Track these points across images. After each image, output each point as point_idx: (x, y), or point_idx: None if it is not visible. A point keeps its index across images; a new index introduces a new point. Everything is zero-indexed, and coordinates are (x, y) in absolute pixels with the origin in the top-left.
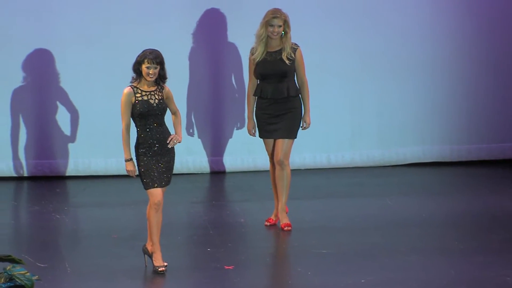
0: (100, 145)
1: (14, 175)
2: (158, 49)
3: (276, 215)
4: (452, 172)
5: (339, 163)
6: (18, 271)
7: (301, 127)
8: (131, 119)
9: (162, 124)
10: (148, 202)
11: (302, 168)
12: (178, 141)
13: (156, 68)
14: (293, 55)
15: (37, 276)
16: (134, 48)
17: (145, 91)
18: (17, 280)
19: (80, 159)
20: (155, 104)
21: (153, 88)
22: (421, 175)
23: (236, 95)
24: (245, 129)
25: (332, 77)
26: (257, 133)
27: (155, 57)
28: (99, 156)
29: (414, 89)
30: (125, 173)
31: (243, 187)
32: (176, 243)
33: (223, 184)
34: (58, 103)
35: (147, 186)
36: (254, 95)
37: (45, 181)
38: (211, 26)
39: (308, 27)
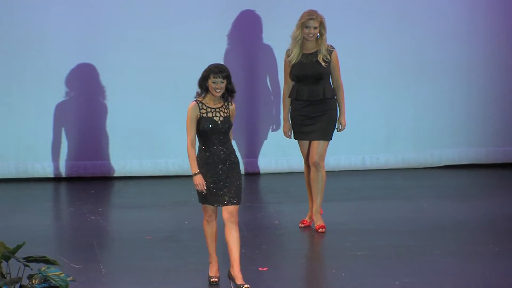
0: (135, 147)
1: (51, 176)
2: (193, 51)
3: (311, 217)
4: (488, 174)
5: (374, 165)
6: (53, 272)
7: (337, 129)
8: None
9: (226, 142)
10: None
11: (337, 169)
12: None
13: (222, 82)
14: (329, 57)
15: (71, 277)
16: (170, 50)
17: (211, 108)
18: (51, 281)
19: (115, 161)
20: (219, 122)
21: (219, 105)
22: (456, 177)
23: (271, 97)
24: (279, 131)
25: (367, 79)
26: (292, 135)
27: (221, 71)
28: (134, 158)
29: (449, 91)
30: (160, 173)
31: (277, 189)
32: None
33: (258, 185)
34: (95, 105)
35: (200, 200)
36: (290, 97)
37: (80, 182)
38: (246, 28)
39: (343, 30)
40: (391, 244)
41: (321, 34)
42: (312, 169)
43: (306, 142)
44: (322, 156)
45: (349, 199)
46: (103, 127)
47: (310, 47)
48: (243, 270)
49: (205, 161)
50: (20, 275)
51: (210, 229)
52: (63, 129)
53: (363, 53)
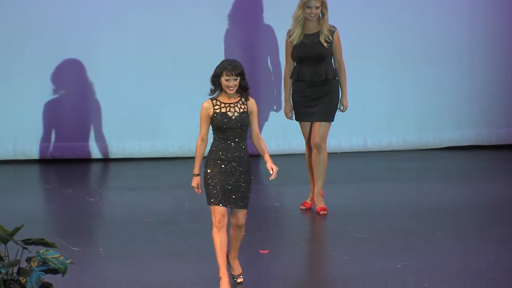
0: (134, 128)
1: (49, 158)
2: (193, 32)
3: (312, 199)
4: (490, 156)
5: (376, 146)
6: (52, 255)
7: (339, 109)
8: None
9: (241, 140)
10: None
11: (338, 151)
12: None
13: (236, 80)
14: (330, 38)
15: (70, 260)
16: (169, 31)
17: (225, 103)
18: (50, 263)
19: (114, 142)
20: (233, 117)
21: (234, 100)
22: (458, 159)
23: (272, 78)
24: (280, 112)
25: (369, 60)
26: (293, 116)
27: (234, 68)
28: (133, 139)
29: (451, 72)
30: (159, 155)
31: (278, 171)
32: (209, 228)
33: (258, 167)
34: (92, 85)
35: (208, 201)
36: (291, 78)
37: (79, 164)
38: (247, 8)
39: (344, 11)
40: (393, 227)
41: (323, 14)
42: (314, 151)
43: (307, 124)
44: (323, 138)
45: (351, 181)
46: (102, 109)
47: (312, 28)
48: (243, 252)
49: (218, 158)
50: (18, 257)
51: (219, 238)
52: (61, 110)
53: (365, 33)
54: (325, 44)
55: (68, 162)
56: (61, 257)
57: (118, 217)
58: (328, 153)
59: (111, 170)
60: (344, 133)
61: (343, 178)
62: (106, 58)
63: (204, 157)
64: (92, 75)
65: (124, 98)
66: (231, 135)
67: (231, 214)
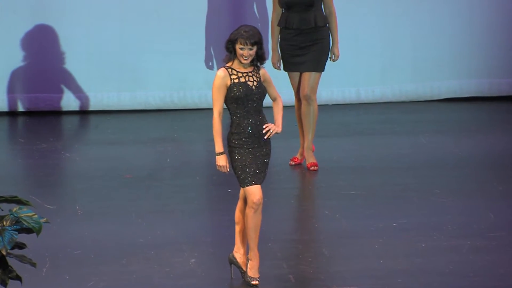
0: (113, 78)
1: (22, 110)
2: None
3: (302, 154)
4: (491, 108)
5: (369, 98)
6: (25, 213)
7: (330, 58)
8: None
9: (260, 111)
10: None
11: (330, 103)
12: (276, 132)
13: (251, 49)
14: None
15: (45, 219)
16: None
17: (242, 72)
18: (24, 222)
19: (92, 93)
20: (254, 87)
21: (249, 69)
22: (457, 111)
23: (259, 24)
24: (268, 61)
25: (362, 5)
26: (281, 66)
27: (250, 37)
28: (112, 90)
29: (450, 19)
30: (139, 107)
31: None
32: (194, 184)
33: None
34: (69, 33)
35: (243, 184)
36: (279, 25)
37: (54, 116)
38: None
39: None
40: (388, 183)
41: None
42: (303, 102)
43: (296, 74)
44: (314, 89)
45: (343, 134)
46: (80, 57)
47: None
48: (228, 210)
49: (244, 135)
50: None
51: (255, 219)
52: (36, 59)
53: None
54: None
55: (43, 115)
56: (36, 216)
57: (96, 173)
58: (319, 105)
59: (89, 123)
60: (335, 83)
61: (334, 131)
62: (85, 6)
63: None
64: (71, 23)
65: (103, 46)
66: (251, 107)
67: (248, 193)
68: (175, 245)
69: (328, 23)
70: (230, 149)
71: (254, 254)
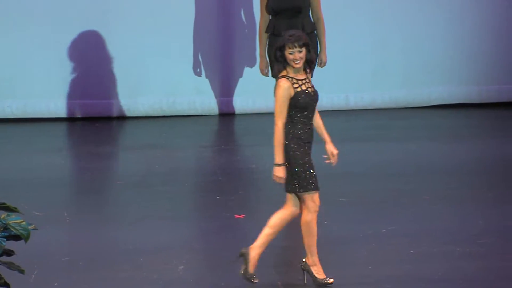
0: (102, 86)
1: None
2: None
3: None
4: (480, 114)
5: (358, 104)
6: (13, 220)
7: (317, 65)
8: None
9: (313, 118)
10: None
11: (318, 110)
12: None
13: (300, 51)
14: None
15: (33, 226)
16: None
17: (301, 80)
18: (12, 229)
19: (79, 100)
20: (313, 94)
21: (304, 76)
22: (447, 117)
23: (246, 31)
24: (255, 68)
25: (351, 10)
26: (269, 73)
27: (297, 40)
28: (103, 98)
29: (440, 25)
30: (128, 114)
31: (254, 130)
32: (183, 191)
33: (233, 126)
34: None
35: (308, 188)
36: (267, 31)
37: (41, 123)
38: None
39: None
40: (377, 189)
41: None
42: None
43: None
44: None
45: (332, 141)
46: (66, 66)
47: None
48: (217, 217)
49: (303, 140)
50: None
51: (315, 225)
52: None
53: None
54: None
55: (32, 121)
56: (24, 223)
57: (84, 179)
58: None
59: (77, 130)
60: (324, 90)
61: None
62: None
63: None
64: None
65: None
66: (309, 114)
67: (311, 199)
68: (164, 251)
69: (315, 30)
70: (292, 154)
71: (316, 258)
